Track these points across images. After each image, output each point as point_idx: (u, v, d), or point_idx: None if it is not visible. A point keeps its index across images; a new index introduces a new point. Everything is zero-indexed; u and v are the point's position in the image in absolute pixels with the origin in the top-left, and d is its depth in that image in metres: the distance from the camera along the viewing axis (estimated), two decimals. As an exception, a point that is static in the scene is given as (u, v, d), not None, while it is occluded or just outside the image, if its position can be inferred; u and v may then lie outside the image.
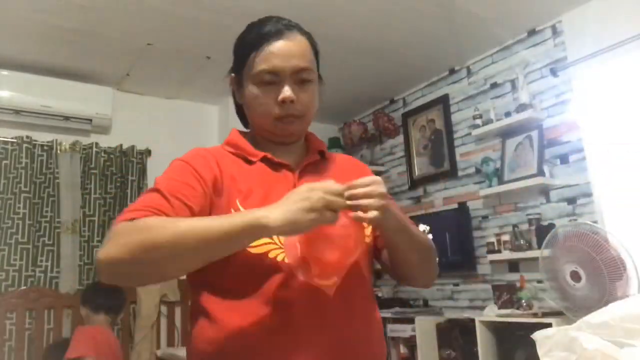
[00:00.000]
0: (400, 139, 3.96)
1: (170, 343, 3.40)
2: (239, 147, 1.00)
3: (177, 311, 3.47)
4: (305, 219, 0.76)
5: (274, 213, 0.77)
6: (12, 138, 3.15)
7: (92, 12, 2.60)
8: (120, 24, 2.73)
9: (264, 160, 0.98)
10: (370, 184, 0.83)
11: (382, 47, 3.17)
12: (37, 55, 3.04)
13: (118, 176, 3.44)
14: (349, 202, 0.81)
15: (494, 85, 3.26)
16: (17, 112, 3.09)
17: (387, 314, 3.29)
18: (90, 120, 3.31)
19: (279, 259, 0.88)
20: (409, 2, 2.66)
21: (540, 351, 0.68)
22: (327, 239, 0.83)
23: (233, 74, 1.02)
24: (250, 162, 0.98)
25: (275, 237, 0.88)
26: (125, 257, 0.77)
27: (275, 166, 0.98)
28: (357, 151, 4.39)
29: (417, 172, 3.76)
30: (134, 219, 0.81)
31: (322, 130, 4.51)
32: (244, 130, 1.08)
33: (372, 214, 0.81)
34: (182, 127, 3.83)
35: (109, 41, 2.91)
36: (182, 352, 3.19)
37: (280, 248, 0.88)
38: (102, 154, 3.41)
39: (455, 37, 3.08)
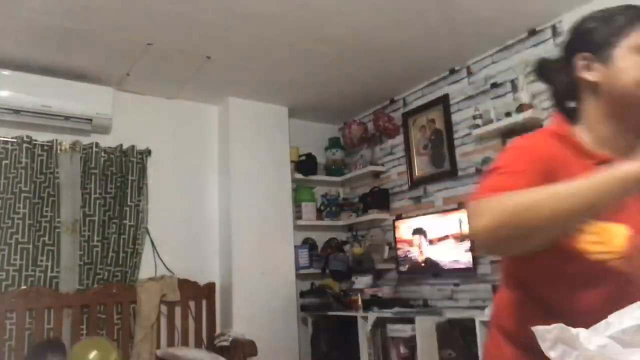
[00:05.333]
0: (400, 139, 3.96)
1: (170, 343, 3.40)
2: (576, 146, 0.98)
3: (177, 311, 3.47)
4: None
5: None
6: (12, 138, 3.15)
7: (92, 12, 2.60)
8: (120, 24, 2.73)
9: (604, 162, 0.92)
10: None
11: (382, 47, 3.17)
12: (37, 55, 3.04)
13: (118, 176, 3.44)
14: None
15: (494, 86, 3.25)
16: (17, 112, 3.09)
17: (387, 314, 3.29)
18: (90, 120, 3.30)
19: (615, 268, 0.84)
20: (409, 2, 2.66)
21: (543, 345, 0.68)
22: None
23: (586, 53, 1.00)
24: (586, 162, 0.95)
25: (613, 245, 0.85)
26: (502, 221, 0.79)
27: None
28: (357, 151, 4.39)
29: (417, 172, 3.76)
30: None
31: (322, 130, 4.52)
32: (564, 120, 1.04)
33: None
34: (182, 127, 3.84)
35: (109, 41, 2.91)
36: (181, 351, 3.20)
37: (619, 259, 0.84)
38: (102, 154, 3.41)
39: (455, 37, 3.08)
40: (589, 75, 0.99)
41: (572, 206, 0.78)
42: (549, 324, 0.82)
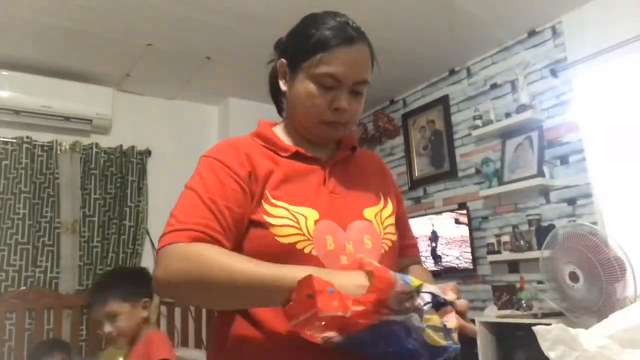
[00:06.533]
0: (400, 139, 3.96)
1: (170, 343, 3.40)
2: (269, 140, 1.00)
3: (177, 312, 3.47)
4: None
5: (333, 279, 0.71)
6: (12, 138, 3.15)
7: (92, 12, 2.60)
8: (120, 24, 2.73)
9: (295, 155, 0.98)
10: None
11: (381, 47, 3.14)
12: (37, 55, 3.04)
13: (118, 176, 3.44)
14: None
15: (494, 86, 3.26)
16: (17, 112, 3.09)
17: (386, 314, 3.29)
18: (90, 120, 3.31)
19: (307, 251, 0.87)
20: (409, 2, 2.66)
21: (543, 345, 0.68)
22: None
23: (284, 60, 1.00)
24: (281, 156, 0.98)
25: (304, 227, 0.88)
26: (181, 284, 0.80)
27: (307, 159, 0.99)
28: (357, 152, 4.39)
29: (417, 172, 3.76)
30: (177, 242, 0.82)
31: (322, 131, 4.51)
32: (272, 121, 1.09)
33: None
34: (182, 127, 3.83)
35: (109, 41, 2.91)
36: (181, 352, 3.19)
37: (309, 240, 0.87)
38: (102, 155, 3.41)
39: (455, 37, 3.08)
40: (281, 83, 1.02)
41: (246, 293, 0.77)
42: (252, 338, 0.86)
